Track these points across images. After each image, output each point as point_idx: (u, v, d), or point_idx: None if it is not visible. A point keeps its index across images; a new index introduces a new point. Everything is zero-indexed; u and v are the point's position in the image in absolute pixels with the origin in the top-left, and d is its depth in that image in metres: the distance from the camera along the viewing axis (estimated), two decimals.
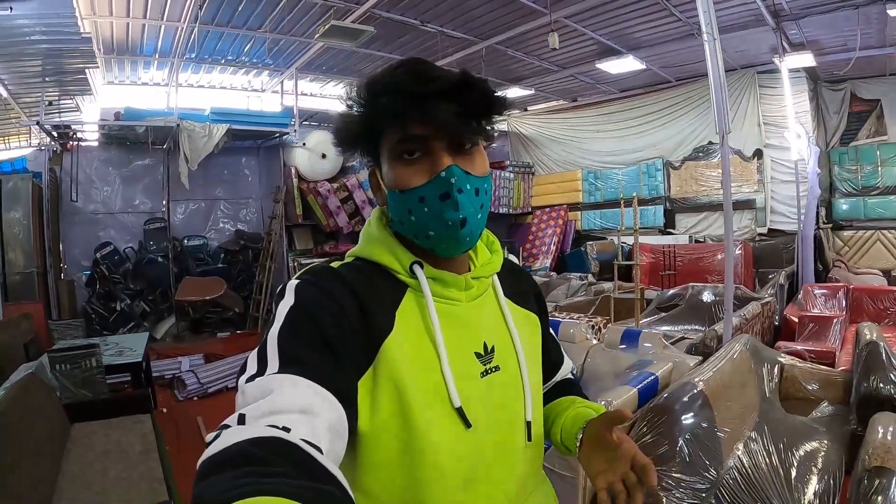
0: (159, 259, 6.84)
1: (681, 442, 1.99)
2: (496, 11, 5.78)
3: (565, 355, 1.01)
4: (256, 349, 0.61)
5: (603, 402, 2.09)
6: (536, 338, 0.88)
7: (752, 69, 7.21)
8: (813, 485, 2.17)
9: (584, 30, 6.20)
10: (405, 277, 0.74)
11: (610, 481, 0.70)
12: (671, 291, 5.72)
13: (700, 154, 8.04)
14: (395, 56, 7.00)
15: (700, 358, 3.03)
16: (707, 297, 5.23)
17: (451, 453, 0.69)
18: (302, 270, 0.71)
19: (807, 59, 5.88)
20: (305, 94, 8.22)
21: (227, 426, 0.49)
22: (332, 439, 0.54)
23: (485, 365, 0.75)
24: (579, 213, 9.46)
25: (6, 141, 7.46)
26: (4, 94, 5.90)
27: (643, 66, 7.28)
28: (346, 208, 7.85)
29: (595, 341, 3.62)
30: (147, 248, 6.99)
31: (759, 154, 7.37)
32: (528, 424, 0.79)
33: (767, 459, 2.22)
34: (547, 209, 9.55)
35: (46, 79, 5.83)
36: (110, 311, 6.37)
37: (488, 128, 0.73)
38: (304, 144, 7.50)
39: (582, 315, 4.41)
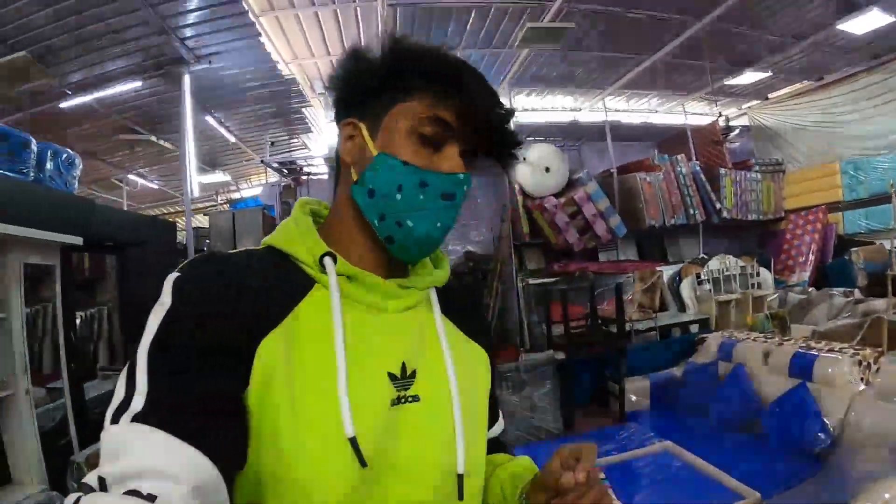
0: None
1: None
2: None
3: (500, 413, 0.82)
4: (126, 368, 0.51)
5: None
6: (485, 377, 0.73)
7: None
8: None
9: None
10: (314, 272, 0.60)
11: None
12: None
13: None
14: (606, 54, 6.77)
15: None
16: None
17: (335, 497, 0.52)
18: (185, 261, 0.58)
19: None
20: (523, 110, 8.07)
21: (89, 487, 0.43)
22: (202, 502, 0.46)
23: (399, 391, 0.59)
24: (840, 213, 7.84)
25: (249, 181, 8.32)
26: (232, 139, 6.51)
27: (894, 19, 6.08)
28: (575, 223, 7.03)
29: (863, 385, 2.94)
30: None
31: None
32: (460, 478, 0.60)
33: None
34: (802, 212, 7.98)
35: (269, 121, 6.15)
36: None
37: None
38: (524, 159, 7.01)
39: (845, 346, 3.44)
